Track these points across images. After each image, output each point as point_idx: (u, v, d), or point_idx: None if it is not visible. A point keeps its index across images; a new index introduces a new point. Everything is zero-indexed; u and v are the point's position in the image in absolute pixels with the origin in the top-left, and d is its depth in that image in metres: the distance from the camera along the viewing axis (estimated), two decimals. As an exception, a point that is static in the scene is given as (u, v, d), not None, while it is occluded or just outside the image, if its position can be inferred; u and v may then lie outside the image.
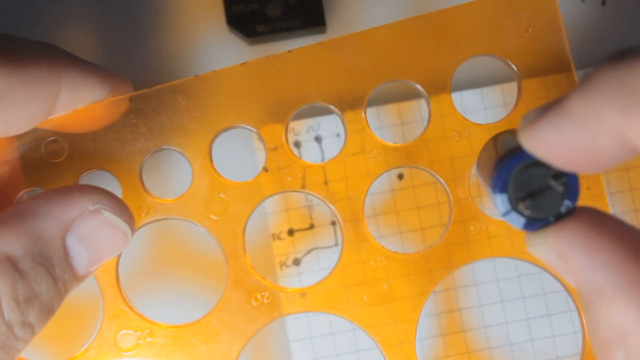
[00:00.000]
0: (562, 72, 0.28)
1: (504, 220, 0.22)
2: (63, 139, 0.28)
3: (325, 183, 0.29)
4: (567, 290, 0.29)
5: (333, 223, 0.35)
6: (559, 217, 0.21)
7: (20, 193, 0.28)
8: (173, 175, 0.34)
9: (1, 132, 0.25)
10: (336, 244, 0.34)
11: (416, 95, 0.36)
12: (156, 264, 0.34)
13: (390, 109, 0.36)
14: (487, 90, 0.36)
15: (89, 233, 0.25)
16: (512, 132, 0.22)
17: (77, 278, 0.25)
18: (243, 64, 0.28)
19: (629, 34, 0.35)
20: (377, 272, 0.28)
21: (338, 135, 0.35)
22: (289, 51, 0.28)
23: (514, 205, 0.21)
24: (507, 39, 0.28)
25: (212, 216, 0.28)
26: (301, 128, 0.36)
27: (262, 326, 0.28)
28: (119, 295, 0.28)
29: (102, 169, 0.28)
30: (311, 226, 0.34)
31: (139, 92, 0.28)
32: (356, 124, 0.28)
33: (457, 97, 0.35)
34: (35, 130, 0.27)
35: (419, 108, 0.36)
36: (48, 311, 0.24)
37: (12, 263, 0.23)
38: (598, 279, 0.19)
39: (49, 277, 0.24)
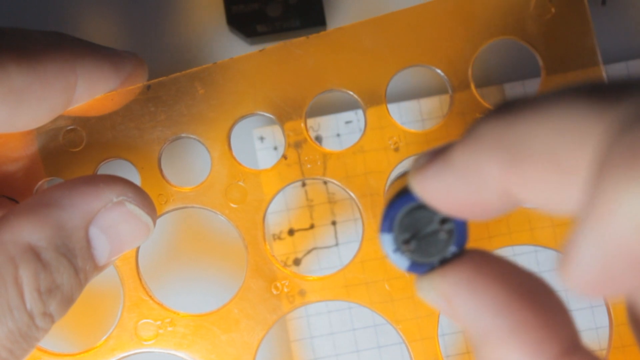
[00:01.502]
0: (585, 55, 0.27)
1: (391, 262, 0.22)
2: (81, 127, 0.28)
3: (346, 171, 0.28)
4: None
5: (333, 223, 0.35)
6: (445, 262, 0.20)
7: (40, 182, 0.28)
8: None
9: (21, 127, 0.25)
10: (336, 244, 0.34)
11: (414, 95, 0.36)
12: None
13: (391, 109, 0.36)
14: (484, 91, 0.35)
15: (112, 224, 0.25)
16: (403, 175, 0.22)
17: (97, 268, 0.25)
18: (261, 50, 0.28)
19: (629, 34, 0.34)
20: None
21: (338, 135, 0.35)
22: (307, 37, 0.28)
23: (399, 247, 0.21)
24: (528, 22, 0.27)
25: (231, 204, 0.28)
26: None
27: (282, 315, 0.28)
28: (139, 284, 0.28)
29: (120, 157, 0.28)
30: (311, 226, 0.34)
31: (156, 80, 0.28)
32: (376, 110, 0.28)
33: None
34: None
35: (420, 108, 0.35)
36: (68, 301, 0.24)
37: (35, 253, 0.23)
38: (483, 324, 0.19)
39: (71, 268, 0.24)
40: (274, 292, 0.28)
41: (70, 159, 0.28)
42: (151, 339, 0.28)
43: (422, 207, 0.20)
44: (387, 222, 0.21)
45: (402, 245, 0.21)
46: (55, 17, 0.35)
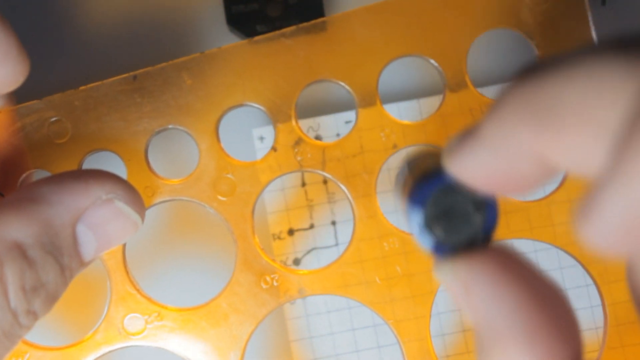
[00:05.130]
0: (582, 44, 0.27)
1: (416, 239, 0.21)
2: (66, 119, 0.27)
3: (338, 160, 0.28)
4: (583, 266, 0.28)
5: (333, 223, 0.34)
6: (470, 247, 0.20)
7: (25, 174, 0.27)
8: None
9: None
10: (336, 244, 0.34)
11: (413, 95, 0.35)
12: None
13: (390, 109, 0.35)
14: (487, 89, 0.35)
15: (100, 222, 0.24)
16: (431, 152, 0.22)
17: (83, 264, 0.25)
18: (249, 40, 0.27)
19: (628, 34, 0.34)
20: (390, 252, 0.28)
21: (338, 134, 0.35)
22: (297, 26, 0.27)
23: (428, 224, 0.20)
24: (524, 11, 0.27)
25: (220, 197, 0.27)
26: (301, 128, 0.35)
27: (272, 309, 0.28)
28: (126, 278, 0.28)
29: (107, 149, 0.27)
30: (311, 226, 0.34)
31: (142, 70, 0.27)
32: (368, 100, 0.27)
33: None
34: (37, 110, 0.27)
35: (419, 108, 0.35)
36: (53, 299, 0.24)
37: (21, 251, 0.22)
38: (497, 320, 0.18)
39: (56, 265, 0.23)
40: (264, 286, 0.28)
41: (55, 151, 0.27)
42: (139, 333, 0.27)
43: (455, 189, 0.20)
44: (419, 200, 0.20)
45: (431, 222, 0.20)
46: (56, 14, 0.34)
